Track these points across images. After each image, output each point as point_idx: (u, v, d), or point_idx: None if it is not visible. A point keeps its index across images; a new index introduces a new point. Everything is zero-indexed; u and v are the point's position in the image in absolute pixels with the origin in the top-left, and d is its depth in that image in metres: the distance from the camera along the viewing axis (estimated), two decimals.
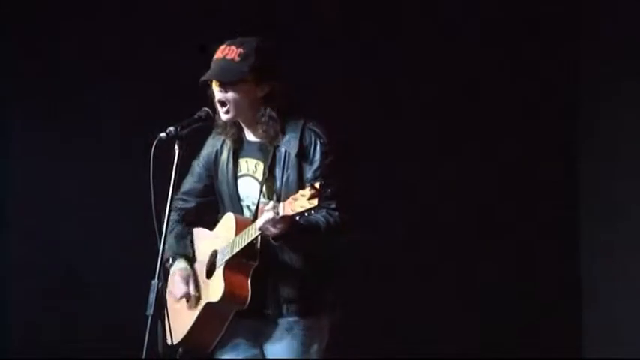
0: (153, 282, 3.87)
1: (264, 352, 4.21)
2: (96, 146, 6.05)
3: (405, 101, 6.25)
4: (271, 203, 3.91)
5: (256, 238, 4.00)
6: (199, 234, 4.33)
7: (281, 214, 3.82)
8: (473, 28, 6.24)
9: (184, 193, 4.37)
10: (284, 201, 3.84)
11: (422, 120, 6.24)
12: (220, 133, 4.24)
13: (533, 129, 6.31)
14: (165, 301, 3.94)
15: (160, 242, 3.91)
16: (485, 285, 6.26)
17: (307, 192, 3.73)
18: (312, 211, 3.76)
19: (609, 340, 6.23)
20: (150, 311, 3.85)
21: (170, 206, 3.96)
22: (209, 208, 4.33)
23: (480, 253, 6.28)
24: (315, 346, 4.17)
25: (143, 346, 3.81)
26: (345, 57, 6.16)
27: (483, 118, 6.27)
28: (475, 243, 6.27)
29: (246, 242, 4.02)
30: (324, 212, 4.01)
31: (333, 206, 4.03)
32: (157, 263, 3.88)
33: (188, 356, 4.23)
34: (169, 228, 4.13)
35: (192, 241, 4.33)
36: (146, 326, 3.82)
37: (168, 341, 4.15)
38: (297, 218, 3.81)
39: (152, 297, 3.86)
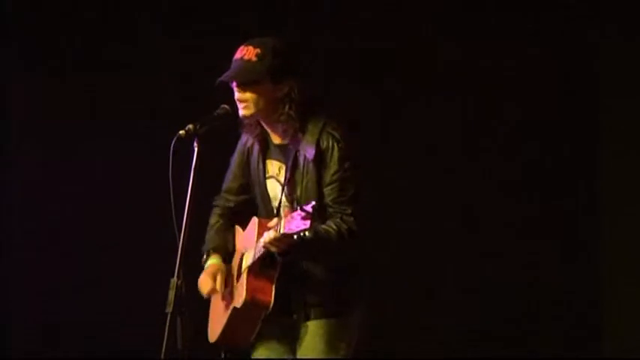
0: (172, 280, 3.87)
1: (296, 354, 4.20)
2: (114, 145, 6.10)
3: (415, 98, 6.22)
4: (274, 220, 3.94)
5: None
6: (238, 231, 4.35)
7: (281, 231, 3.82)
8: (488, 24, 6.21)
9: (225, 191, 4.41)
10: (293, 212, 3.83)
11: (435, 117, 6.22)
12: (246, 133, 4.25)
13: (551, 123, 6.25)
14: (185, 298, 3.90)
15: (179, 240, 3.90)
16: (503, 285, 6.22)
17: (301, 213, 3.73)
18: (307, 233, 3.75)
19: (631, 344, 6.18)
20: (169, 309, 3.85)
21: (190, 204, 3.93)
22: (251, 205, 4.32)
23: (500, 253, 6.24)
24: (343, 346, 4.17)
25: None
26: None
27: (496, 113, 6.24)
28: (495, 243, 6.23)
29: (257, 257, 4.03)
30: (338, 218, 4.01)
31: (349, 211, 4.03)
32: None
33: (229, 355, 4.25)
34: (212, 223, 4.32)
35: (233, 237, 4.34)
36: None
37: (210, 339, 4.24)
38: (295, 237, 3.81)
39: (171, 295, 3.85)
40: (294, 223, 3.75)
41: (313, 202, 3.74)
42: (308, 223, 3.71)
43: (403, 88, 6.18)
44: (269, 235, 3.89)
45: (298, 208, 3.76)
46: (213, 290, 4.22)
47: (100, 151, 6.10)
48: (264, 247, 3.94)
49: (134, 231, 6.00)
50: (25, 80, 6.17)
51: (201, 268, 4.30)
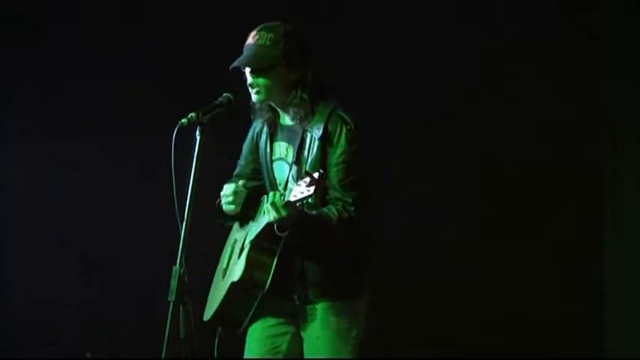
0: (174, 268, 3.84)
1: (302, 334, 4.17)
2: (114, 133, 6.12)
3: (419, 97, 6.22)
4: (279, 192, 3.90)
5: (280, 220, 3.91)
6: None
7: (285, 199, 3.79)
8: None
9: (236, 176, 4.38)
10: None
11: (441, 118, 6.21)
12: (257, 117, 4.24)
13: (555, 128, 6.24)
14: (187, 287, 3.86)
15: (182, 228, 3.87)
16: (506, 287, 6.19)
17: (307, 179, 3.70)
18: (310, 199, 3.72)
19: (632, 344, 6.15)
20: (171, 298, 3.81)
21: (192, 193, 3.90)
22: (260, 193, 4.26)
23: (502, 255, 6.21)
24: (351, 332, 4.13)
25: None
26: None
27: (503, 114, 6.22)
28: (497, 245, 6.20)
29: (260, 228, 4.00)
30: (340, 206, 3.98)
31: (350, 200, 4.00)
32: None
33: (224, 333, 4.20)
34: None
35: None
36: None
37: (204, 318, 4.18)
38: (298, 206, 3.78)
39: (173, 283, 3.82)
40: (299, 189, 3.72)
41: (322, 170, 3.71)
42: (312, 189, 3.68)
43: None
44: (271, 199, 3.84)
45: (305, 174, 3.72)
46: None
47: (102, 141, 6.12)
48: (265, 210, 3.88)
49: (136, 220, 6.01)
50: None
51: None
